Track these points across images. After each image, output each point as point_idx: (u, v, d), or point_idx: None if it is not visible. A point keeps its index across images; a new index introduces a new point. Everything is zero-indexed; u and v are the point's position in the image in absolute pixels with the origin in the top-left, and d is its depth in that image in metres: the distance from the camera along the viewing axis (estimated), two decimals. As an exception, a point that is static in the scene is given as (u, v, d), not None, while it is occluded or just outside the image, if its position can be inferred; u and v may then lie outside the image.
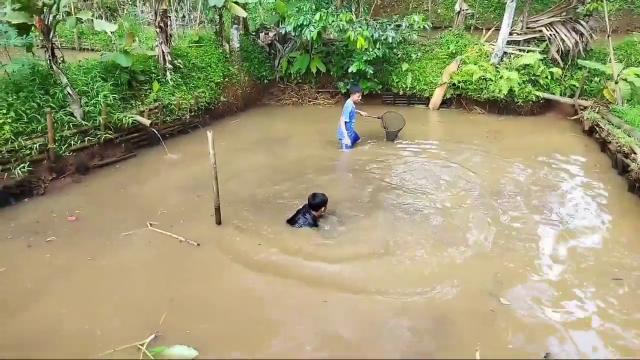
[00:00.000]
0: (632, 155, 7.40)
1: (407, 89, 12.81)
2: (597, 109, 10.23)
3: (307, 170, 8.22)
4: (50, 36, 7.71)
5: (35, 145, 7.18)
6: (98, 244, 5.75)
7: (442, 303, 4.66)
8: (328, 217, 6.39)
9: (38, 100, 7.62)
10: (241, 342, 4.23)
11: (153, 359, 3.94)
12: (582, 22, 12.12)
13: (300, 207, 6.29)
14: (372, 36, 11.67)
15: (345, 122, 9.09)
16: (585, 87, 11.66)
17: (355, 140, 9.48)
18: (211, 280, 5.13)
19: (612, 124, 9.13)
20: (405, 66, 12.80)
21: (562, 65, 11.99)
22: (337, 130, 9.37)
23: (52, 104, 7.71)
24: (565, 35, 11.89)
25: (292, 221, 6.20)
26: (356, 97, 9.21)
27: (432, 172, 8.15)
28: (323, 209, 6.20)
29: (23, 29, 7.53)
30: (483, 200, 7.01)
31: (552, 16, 12.59)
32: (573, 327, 4.35)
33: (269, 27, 14.29)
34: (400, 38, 12.29)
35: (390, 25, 12.22)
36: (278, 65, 13.62)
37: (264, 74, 13.37)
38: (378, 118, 9.88)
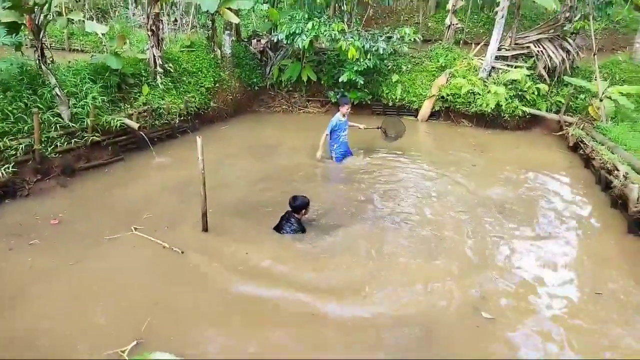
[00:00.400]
0: (615, 172, 7.53)
1: (397, 100, 12.90)
2: (582, 126, 10.40)
3: (295, 178, 8.23)
4: (40, 36, 7.66)
5: (20, 146, 7.10)
6: (81, 248, 5.68)
7: (427, 317, 4.68)
8: (312, 225, 6.39)
9: (25, 100, 7.55)
10: (225, 351, 4.20)
11: (135, 365, 3.90)
12: (569, 39, 12.35)
13: (284, 213, 6.30)
14: (363, 47, 11.76)
15: (328, 134, 8.84)
16: (570, 103, 11.86)
17: (345, 155, 9.12)
18: (196, 287, 5.09)
19: (596, 141, 9.29)
20: (395, 77, 12.90)
21: (548, 82, 12.18)
22: (327, 143, 9.08)
23: (39, 105, 7.64)
24: (553, 52, 12.10)
25: (278, 228, 6.21)
26: (345, 109, 8.91)
27: (419, 184, 8.21)
28: (304, 211, 6.23)
29: (13, 28, 7.48)
30: (468, 213, 7.07)
31: (540, 33, 12.82)
32: (554, 341, 4.40)
33: (261, 34, 14.32)
34: (391, 49, 12.40)
35: (381, 36, 12.34)
36: (269, 73, 13.64)
37: (255, 80, 13.37)
38: (378, 128, 9.63)
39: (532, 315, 4.75)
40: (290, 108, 13.64)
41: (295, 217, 6.19)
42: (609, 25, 19.84)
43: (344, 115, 8.96)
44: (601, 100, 10.50)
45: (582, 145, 9.78)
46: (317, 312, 4.70)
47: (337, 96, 12.78)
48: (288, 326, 4.53)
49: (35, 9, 7.41)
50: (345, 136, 9.03)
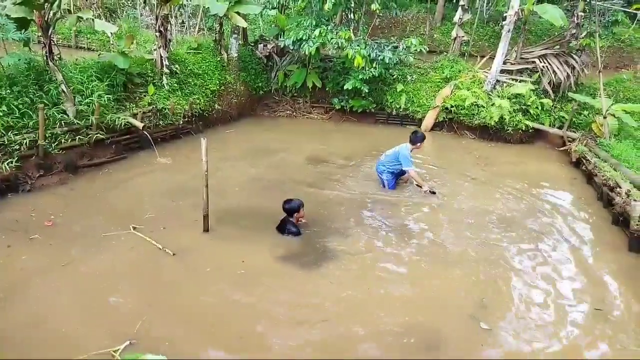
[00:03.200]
0: (617, 189, 7.53)
1: (401, 110, 12.93)
2: (585, 142, 10.41)
3: (296, 183, 8.23)
4: (49, 33, 7.70)
5: (25, 141, 7.12)
6: (78, 247, 5.67)
7: (428, 329, 4.67)
8: (311, 233, 6.41)
9: (31, 96, 7.58)
10: (219, 355, 4.19)
11: (127, 365, 3.88)
12: (574, 56, 12.39)
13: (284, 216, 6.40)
14: (369, 55, 11.82)
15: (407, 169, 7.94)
16: (574, 119, 11.88)
17: (385, 182, 8.24)
18: (191, 290, 5.06)
19: (599, 158, 9.30)
20: (400, 87, 12.94)
21: (552, 97, 12.22)
22: (377, 167, 8.33)
23: (45, 101, 7.67)
24: (558, 67, 12.14)
25: (279, 229, 6.32)
26: (420, 145, 8.11)
27: (420, 195, 8.19)
28: (298, 213, 6.31)
29: (22, 24, 7.52)
30: (468, 225, 7.05)
31: (546, 48, 12.88)
32: (550, 355, 4.39)
33: (267, 39, 14.40)
34: (397, 59, 12.43)
35: (387, 46, 12.39)
36: (274, 78, 13.70)
37: (260, 85, 13.42)
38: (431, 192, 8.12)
39: (529, 329, 4.73)
40: (294, 113, 13.68)
41: (290, 220, 6.27)
42: (613, 43, 19.95)
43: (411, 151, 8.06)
44: (605, 117, 10.53)
45: (584, 161, 9.78)
46: (313, 322, 4.70)
47: (342, 102, 12.89)
48: (288, 332, 4.52)
49: (45, 6, 7.45)
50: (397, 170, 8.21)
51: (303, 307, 4.88)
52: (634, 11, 15.37)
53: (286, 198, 6.40)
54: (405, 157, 7.86)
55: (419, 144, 8.08)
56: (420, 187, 8.07)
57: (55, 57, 7.95)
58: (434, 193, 8.03)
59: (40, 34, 7.72)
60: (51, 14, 7.66)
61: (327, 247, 6.07)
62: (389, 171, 8.15)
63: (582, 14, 12.37)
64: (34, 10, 7.40)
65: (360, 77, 12.05)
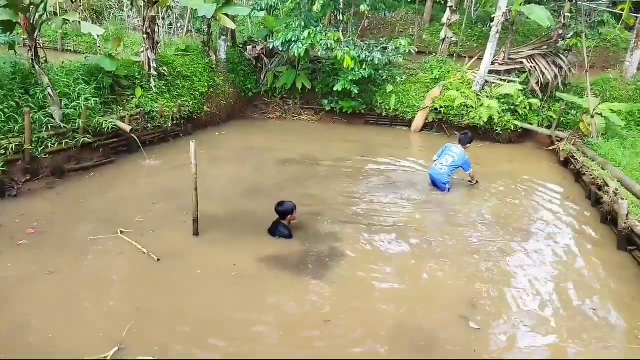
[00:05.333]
0: (605, 187, 7.61)
1: (391, 111, 12.95)
2: (573, 141, 10.50)
3: (287, 185, 8.21)
4: (35, 35, 7.61)
5: (11, 145, 7.01)
6: (66, 252, 5.59)
7: (419, 330, 4.67)
8: (301, 235, 6.39)
9: (17, 100, 7.48)
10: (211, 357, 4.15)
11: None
12: (561, 56, 12.50)
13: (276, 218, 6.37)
14: (358, 56, 11.82)
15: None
16: (562, 119, 11.98)
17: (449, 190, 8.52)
18: (181, 294, 5.02)
19: (587, 157, 9.38)
20: (389, 88, 12.95)
21: (540, 97, 12.30)
22: (441, 179, 8.36)
23: (31, 104, 7.56)
24: (545, 68, 12.23)
25: (271, 231, 6.29)
26: (468, 147, 8.59)
27: (410, 194, 8.21)
28: (291, 216, 6.28)
29: (7, 27, 7.42)
30: (458, 227, 7.08)
31: (534, 49, 12.98)
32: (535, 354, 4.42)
33: (256, 40, 14.36)
34: (387, 60, 12.47)
35: (377, 47, 12.41)
36: (264, 79, 13.65)
37: (249, 86, 13.37)
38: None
39: (518, 328, 4.75)
40: (284, 115, 13.64)
41: (282, 222, 6.24)
42: (600, 43, 20.18)
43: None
44: (592, 117, 10.63)
45: (572, 160, 9.87)
46: (297, 327, 4.68)
47: (332, 104, 12.86)
48: (282, 334, 4.49)
49: (31, 9, 7.36)
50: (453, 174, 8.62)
51: (296, 309, 4.86)
52: (619, 12, 15.56)
53: (277, 200, 6.37)
54: (468, 162, 8.44)
55: (468, 145, 8.63)
56: (472, 181, 8.80)
57: (41, 60, 7.84)
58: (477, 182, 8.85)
59: (25, 36, 7.62)
60: (37, 17, 7.56)
61: (318, 250, 6.05)
62: (448, 179, 8.46)
63: (569, 14, 12.48)
64: (20, 13, 7.30)
65: (349, 78, 12.04)
